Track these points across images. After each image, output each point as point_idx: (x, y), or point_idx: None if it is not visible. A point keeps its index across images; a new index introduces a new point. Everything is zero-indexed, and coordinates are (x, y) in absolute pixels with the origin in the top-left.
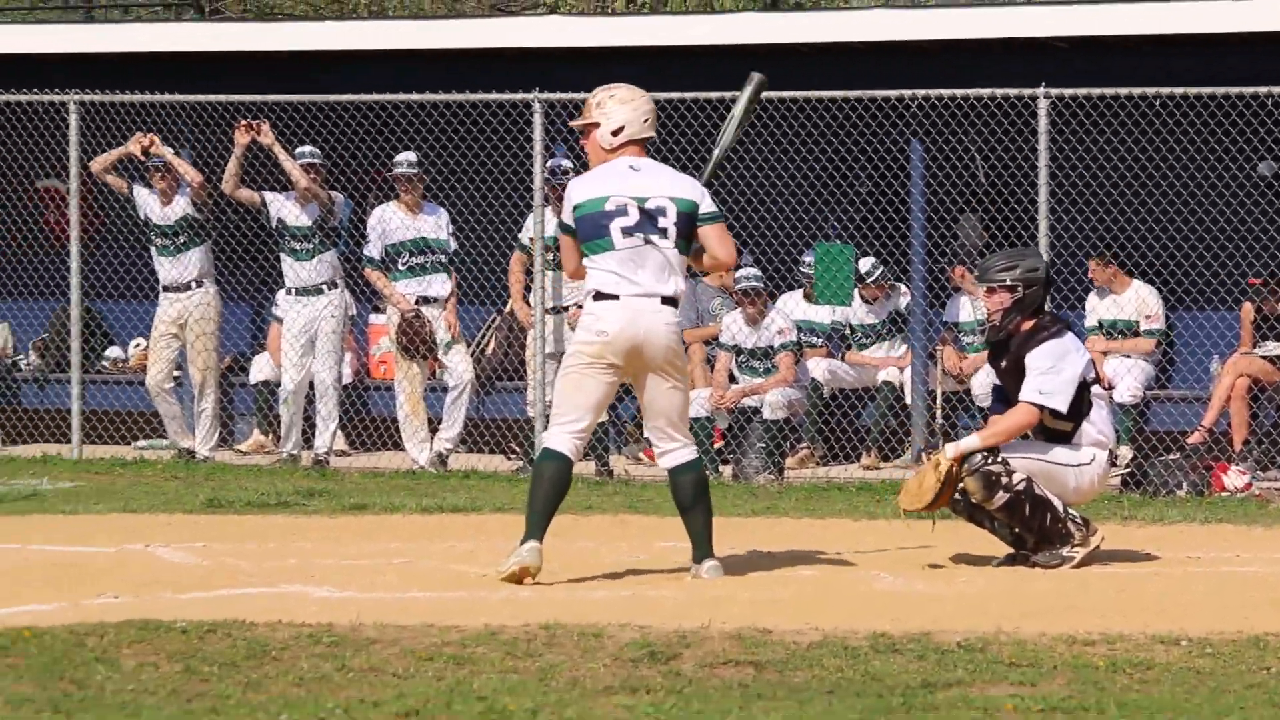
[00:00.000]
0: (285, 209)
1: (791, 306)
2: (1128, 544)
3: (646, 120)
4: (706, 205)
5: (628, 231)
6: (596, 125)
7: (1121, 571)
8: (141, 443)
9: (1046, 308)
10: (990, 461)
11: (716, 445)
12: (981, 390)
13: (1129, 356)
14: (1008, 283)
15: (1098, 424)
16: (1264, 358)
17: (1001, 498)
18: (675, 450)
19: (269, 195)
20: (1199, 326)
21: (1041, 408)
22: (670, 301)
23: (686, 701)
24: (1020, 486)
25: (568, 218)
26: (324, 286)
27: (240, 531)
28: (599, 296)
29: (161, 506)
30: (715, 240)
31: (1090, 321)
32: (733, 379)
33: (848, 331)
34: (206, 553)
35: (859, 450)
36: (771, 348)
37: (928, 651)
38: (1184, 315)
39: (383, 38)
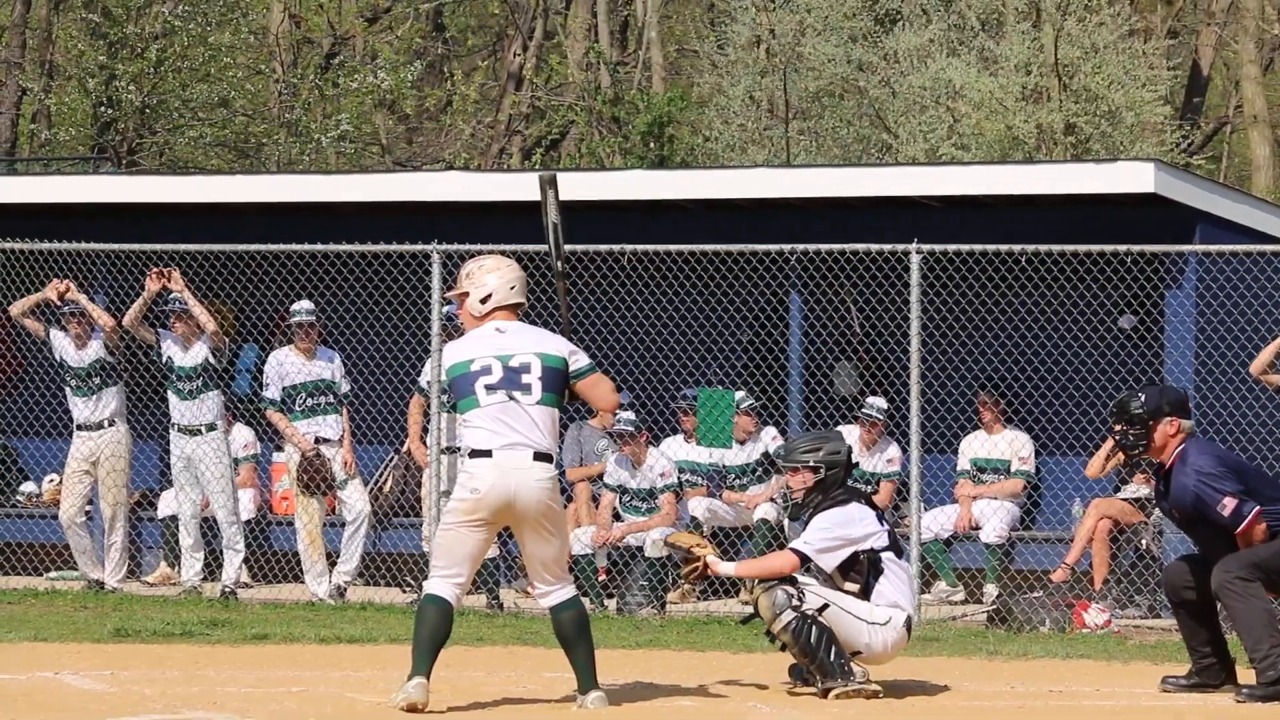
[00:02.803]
0: (173, 349)
1: (675, 449)
2: (993, 678)
3: (514, 287)
4: (577, 361)
5: (491, 389)
6: (467, 294)
7: (986, 704)
8: (53, 574)
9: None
10: (784, 585)
11: (601, 579)
12: None
13: (996, 498)
14: (811, 464)
15: (894, 587)
16: (1125, 500)
17: (787, 617)
18: (554, 591)
19: (162, 333)
20: (1061, 471)
21: (800, 554)
22: (542, 457)
23: None
24: (809, 612)
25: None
26: (203, 428)
27: (147, 660)
28: (474, 454)
29: (71, 635)
30: (592, 392)
31: (963, 464)
32: (617, 516)
33: (724, 470)
34: (114, 680)
35: (737, 586)
36: (654, 489)
37: None
38: (1047, 460)
39: (291, 191)
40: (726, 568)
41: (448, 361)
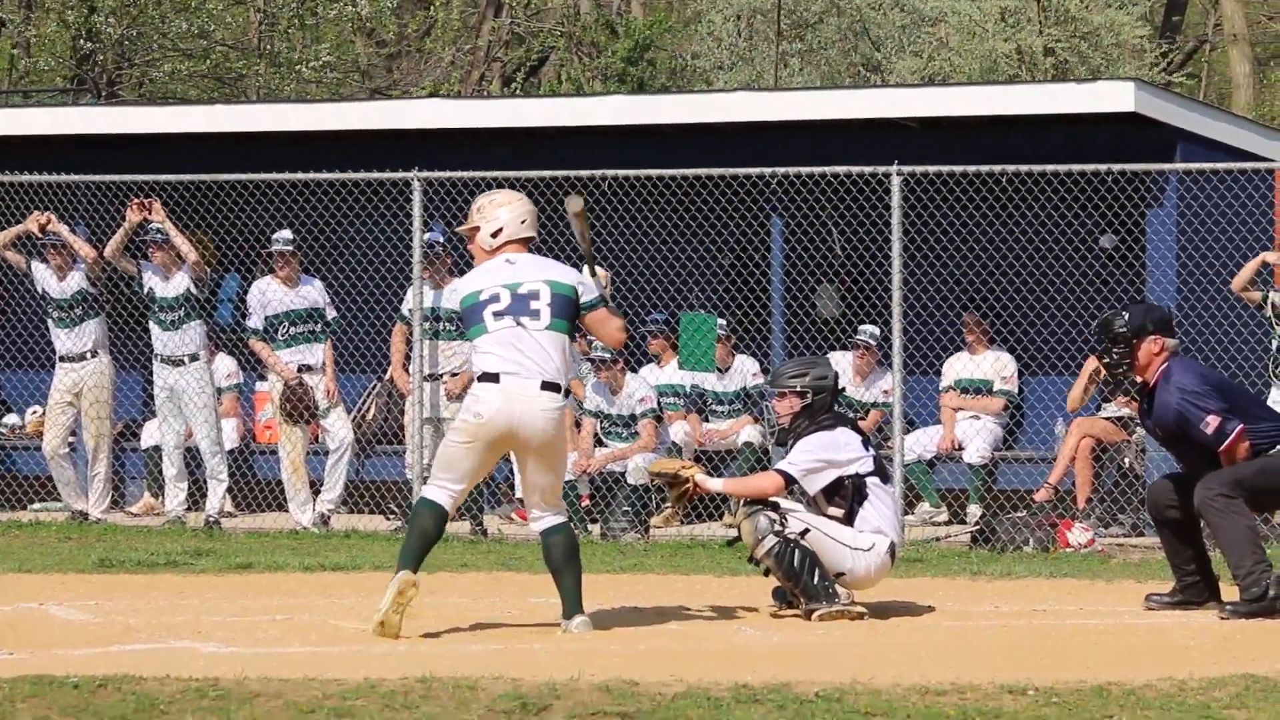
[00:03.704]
0: (154, 280)
1: (656, 375)
2: (977, 598)
3: (524, 221)
4: (586, 293)
5: (498, 315)
6: (478, 229)
7: (971, 624)
8: (37, 505)
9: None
10: (767, 510)
11: (584, 504)
12: None
13: (979, 418)
14: (798, 389)
15: (879, 513)
16: (1107, 419)
17: (770, 542)
18: (546, 516)
19: (144, 263)
20: (1044, 391)
21: (785, 475)
22: (550, 386)
23: None
24: (791, 536)
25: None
26: (186, 358)
27: (131, 590)
28: (482, 377)
29: (55, 566)
30: (600, 327)
31: (947, 382)
32: (600, 442)
33: (704, 392)
34: (98, 610)
35: (721, 510)
36: (634, 415)
37: (787, 701)
38: (1029, 380)
39: (271, 120)
40: (714, 484)
41: (459, 294)
